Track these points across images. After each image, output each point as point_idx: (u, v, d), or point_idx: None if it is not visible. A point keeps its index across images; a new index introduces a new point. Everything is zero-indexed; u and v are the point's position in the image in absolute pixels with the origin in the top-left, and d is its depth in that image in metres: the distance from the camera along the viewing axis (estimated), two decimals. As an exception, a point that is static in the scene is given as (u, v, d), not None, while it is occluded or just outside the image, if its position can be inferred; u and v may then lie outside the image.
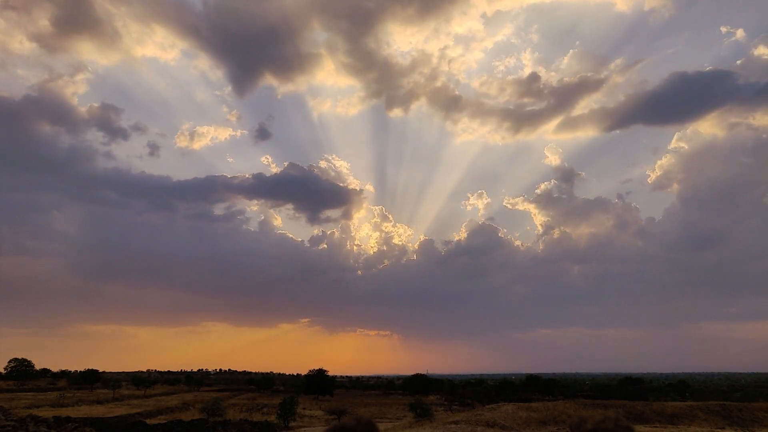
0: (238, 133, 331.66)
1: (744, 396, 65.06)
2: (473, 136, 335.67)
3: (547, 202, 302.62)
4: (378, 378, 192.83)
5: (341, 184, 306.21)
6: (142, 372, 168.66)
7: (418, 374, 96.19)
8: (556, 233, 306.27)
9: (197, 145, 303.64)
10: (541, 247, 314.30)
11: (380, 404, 62.79)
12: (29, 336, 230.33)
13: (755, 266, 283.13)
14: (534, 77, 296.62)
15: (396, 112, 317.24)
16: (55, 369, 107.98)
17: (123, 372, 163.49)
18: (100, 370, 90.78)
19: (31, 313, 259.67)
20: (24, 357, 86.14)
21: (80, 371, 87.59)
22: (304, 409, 50.90)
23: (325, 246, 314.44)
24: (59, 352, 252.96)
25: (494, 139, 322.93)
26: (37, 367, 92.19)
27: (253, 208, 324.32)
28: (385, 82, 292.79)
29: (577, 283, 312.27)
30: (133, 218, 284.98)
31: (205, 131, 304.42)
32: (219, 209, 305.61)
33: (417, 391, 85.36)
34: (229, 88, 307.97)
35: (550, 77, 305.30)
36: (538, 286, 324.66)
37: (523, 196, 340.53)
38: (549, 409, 35.64)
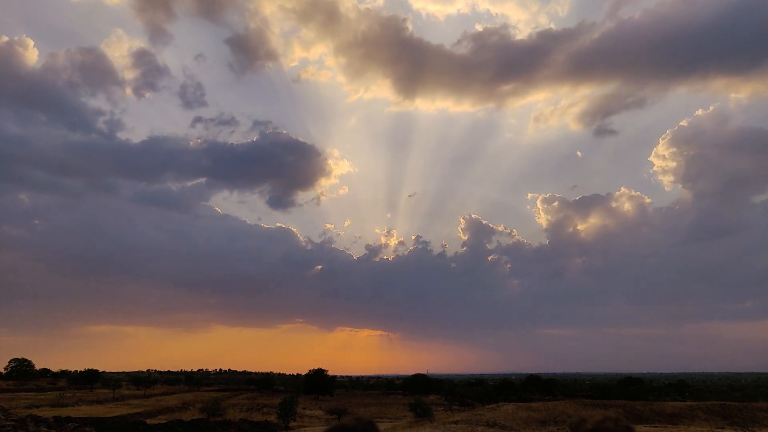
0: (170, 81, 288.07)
1: (744, 396, 65.08)
2: (462, 108, 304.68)
3: (550, 196, 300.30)
4: (378, 378, 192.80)
5: (321, 162, 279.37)
6: (142, 372, 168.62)
7: (418, 374, 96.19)
8: (557, 229, 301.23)
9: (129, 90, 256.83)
10: (540, 244, 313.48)
11: (380, 404, 62.78)
12: (29, 336, 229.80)
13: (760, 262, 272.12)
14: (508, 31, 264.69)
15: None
16: (55, 369, 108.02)
17: (123, 372, 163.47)
18: (100, 370, 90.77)
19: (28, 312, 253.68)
20: (24, 357, 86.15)
21: (80, 371, 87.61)
22: (304, 409, 50.90)
23: (318, 240, 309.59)
24: (59, 352, 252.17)
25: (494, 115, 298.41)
26: (37, 367, 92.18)
27: (218, 191, 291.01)
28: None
29: (577, 282, 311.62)
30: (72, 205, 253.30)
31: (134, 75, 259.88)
32: (178, 188, 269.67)
33: (417, 391, 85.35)
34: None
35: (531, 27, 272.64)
36: (538, 284, 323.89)
37: (523, 187, 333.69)
38: (549, 409, 35.65)
